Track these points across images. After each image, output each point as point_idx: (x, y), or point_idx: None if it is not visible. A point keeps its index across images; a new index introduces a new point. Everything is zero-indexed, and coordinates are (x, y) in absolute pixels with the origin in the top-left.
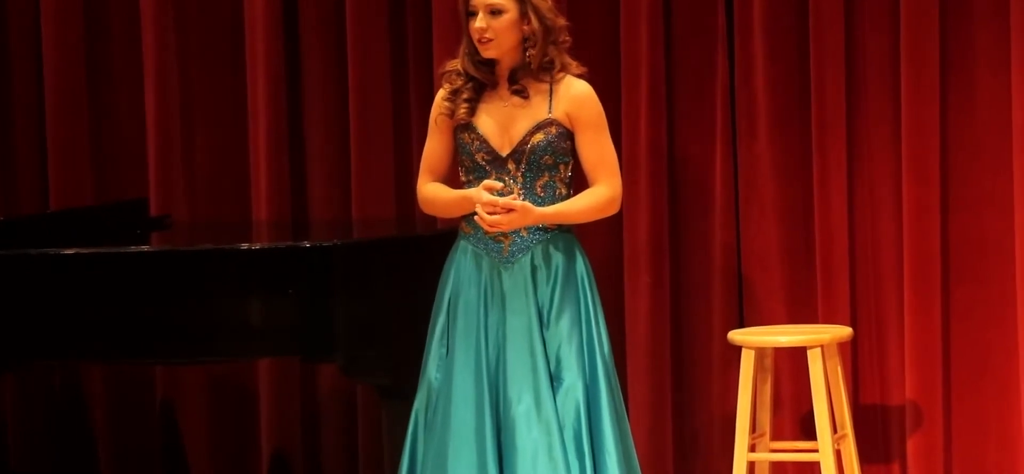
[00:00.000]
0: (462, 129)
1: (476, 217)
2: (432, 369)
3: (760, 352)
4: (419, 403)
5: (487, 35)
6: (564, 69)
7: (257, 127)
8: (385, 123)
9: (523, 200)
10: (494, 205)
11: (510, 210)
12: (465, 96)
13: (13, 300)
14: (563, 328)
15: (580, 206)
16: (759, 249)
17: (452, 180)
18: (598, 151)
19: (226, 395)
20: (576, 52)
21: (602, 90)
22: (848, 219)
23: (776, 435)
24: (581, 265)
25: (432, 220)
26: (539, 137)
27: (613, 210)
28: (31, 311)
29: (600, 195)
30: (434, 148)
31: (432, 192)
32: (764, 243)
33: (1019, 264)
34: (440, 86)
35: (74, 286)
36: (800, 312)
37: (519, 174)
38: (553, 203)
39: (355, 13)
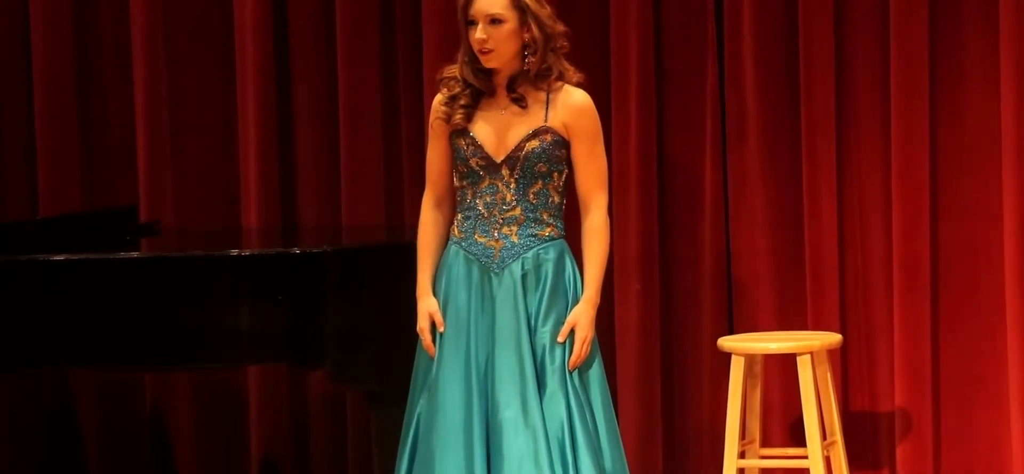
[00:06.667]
0: (458, 134)
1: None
2: (433, 372)
3: (750, 359)
4: (421, 406)
5: (488, 45)
6: (562, 77)
7: (247, 133)
8: (375, 129)
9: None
10: (577, 355)
11: (582, 333)
12: (462, 102)
13: (1, 306)
14: (549, 334)
15: (600, 259)
16: (749, 256)
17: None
18: (593, 164)
19: (215, 401)
20: (568, 59)
21: (592, 96)
22: (838, 226)
23: (766, 442)
24: (570, 271)
25: None
26: (534, 144)
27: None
28: (19, 317)
29: (601, 231)
30: (433, 155)
31: (420, 237)
32: (754, 250)
33: (1008, 272)
34: (432, 92)
35: (63, 292)
36: (790, 319)
37: (512, 180)
38: (545, 209)
39: (345, 19)
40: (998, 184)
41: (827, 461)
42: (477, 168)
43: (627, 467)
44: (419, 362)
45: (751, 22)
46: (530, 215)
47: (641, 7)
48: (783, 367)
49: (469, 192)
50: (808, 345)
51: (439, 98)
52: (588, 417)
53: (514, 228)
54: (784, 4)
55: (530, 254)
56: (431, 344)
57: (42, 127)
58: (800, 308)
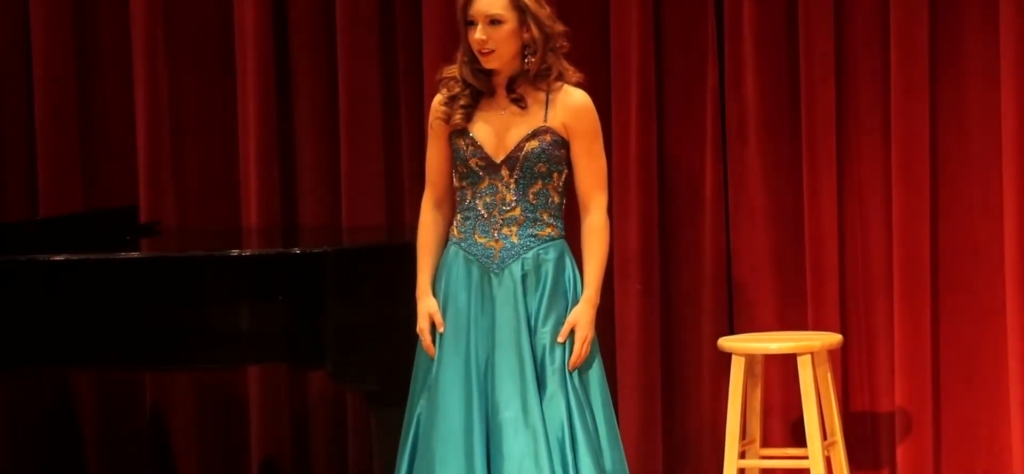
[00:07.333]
0: (457, 135)
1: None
2: (433, 372)
3: (750, 359)
4: (421, 406)
5: (488, 46)
6: (561, 77)
7: (247, 134)
8: (375, 129)
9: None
10: (578, 355)
11: (582, 333)
12: (462, 102)
13: (1, 306)
14: (549, 334)
15: (600, 259)
16: (749, 256)
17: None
18: (592, 164)
19: (216, 402)
20: (568, 60)
21: (592, 97)
22: (838, 226)
23: (766, 442)
24: (570, 272)
25: None
26: (533, 144)
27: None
28: (19, 317)
29: (601, 231)
30: (433, 156)
31: (420, 237)
32: (754, 250)
33: (1008, 271)
34: (432, 92)
35: (63, 292)
36: (790, 319)
37: (512, 181)
38: (545, 209)
39: (345, 19)
40: (998, 183)
41: (827, 461)
42: (476, 168)
43: (627, 467)
44: (419, 362)
45: (751, 22)
46: (530, 215)
47: (641, 7)
48: (783, 367)
49: (469, 192)
50: (808, 345)
51: (439, 98)
52: (588, 417)
53: (514, 228)
54: (784, 4)
55: (530, 254)
56: (431, 345)
57: (42, 127)
58: (800, 308)
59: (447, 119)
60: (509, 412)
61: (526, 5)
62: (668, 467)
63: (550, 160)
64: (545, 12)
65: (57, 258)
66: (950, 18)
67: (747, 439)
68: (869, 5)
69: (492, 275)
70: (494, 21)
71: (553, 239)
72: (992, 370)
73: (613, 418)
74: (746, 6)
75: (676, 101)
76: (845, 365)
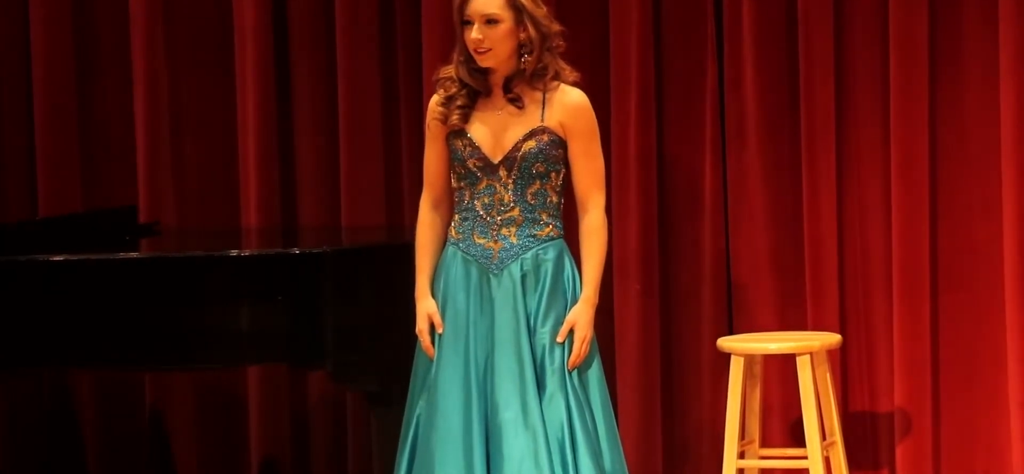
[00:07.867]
0: (455, 135)
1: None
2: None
3: (749, 359)
4: (421, 407)
5: (484, 45)
6: (558, 76)
7: (247, 134)
8: (374, 130)
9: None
10: (577, 354)
11: (581, 333)
12: (459, 103)
13: (1, 306)
14: (548, 334)
15: (599, 258)
16: (748, 256)
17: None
18: (590, 163)
19: (215, 403)
20: (566, 59)
21: (592, 97)
22: (837, 226)
23: (765, 442)
24: (569, 271)
25: None
26: (531, 144)
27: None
28: (19, 317)
29: (599, 230)
30: (430, 157)
31: (419, 238)
32: (753, 250)
33: (1007, 270)
34: (431, 92)
35: (63, 293)
36: (789, 319)
37: (510, 181)
38: (543, 209)
39: (344, 19)
40: (997, 182)
41: (827, 461)
42: (474, 169)
43: (626, 467)
44: (418, 362)
45: (751, 22)
46: (528, 216)
47: (641, 7)
48: (783, 367)
49: (467, 193)
50: (808, 345)
51: (436, 99)
52: (588, 418)
53: (512, 229)
54: (784, 4)
55: (529, 255)
56: (430, 346)
57: (42, 128)
58: (800, 308)
59: (444, 120)
60: (509, 413)
61: (522, 4)
62: (668, 467)
63: (548, 160)
64: (541, 11)
65: (57, 258)
66: (950, 18)
67: (746, 439)
68: (869, 5)
69: (491, 276)
70: (490, 20)
71: (552, 239)
72: (991, 370)
73: (612, 418)
74: (746, 6)
75: (676, 101)
76: (844, 365)
